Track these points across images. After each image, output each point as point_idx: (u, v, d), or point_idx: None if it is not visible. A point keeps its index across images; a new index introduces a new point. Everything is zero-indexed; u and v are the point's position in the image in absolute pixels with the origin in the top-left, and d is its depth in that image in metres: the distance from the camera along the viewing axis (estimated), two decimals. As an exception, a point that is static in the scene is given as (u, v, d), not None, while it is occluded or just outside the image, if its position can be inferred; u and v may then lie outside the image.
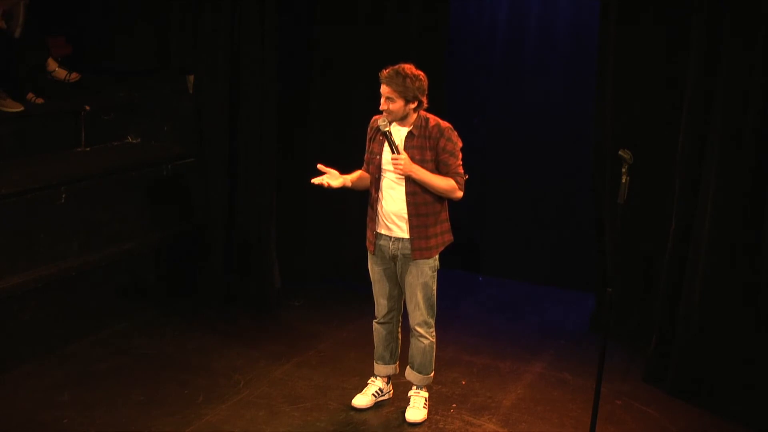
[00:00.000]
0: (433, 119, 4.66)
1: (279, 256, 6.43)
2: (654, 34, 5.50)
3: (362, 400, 5.00)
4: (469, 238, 7.36)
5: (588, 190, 6.28)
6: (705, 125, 5.11)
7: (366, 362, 5.55)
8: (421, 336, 4.84)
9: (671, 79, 5.45)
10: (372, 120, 4.79)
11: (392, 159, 4.56)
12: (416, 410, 4.88)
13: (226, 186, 6.39)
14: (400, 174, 4.58)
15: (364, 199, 6.42)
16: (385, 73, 4.57)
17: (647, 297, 5.80)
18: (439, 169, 4.63)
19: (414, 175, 4.56)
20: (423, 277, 4.75)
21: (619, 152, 4.25)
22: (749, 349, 5.11)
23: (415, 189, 4.63)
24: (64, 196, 5.49)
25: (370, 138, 4.79)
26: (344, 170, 6.63)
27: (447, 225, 4.82)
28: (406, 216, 4.67)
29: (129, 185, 6.00)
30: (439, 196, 4.67)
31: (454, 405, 5.05)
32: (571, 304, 6.73)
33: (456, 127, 4.64)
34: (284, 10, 6.26)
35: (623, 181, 4.22)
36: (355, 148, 6.38)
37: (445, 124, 4.66)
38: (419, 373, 4.91)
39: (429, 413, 4.92)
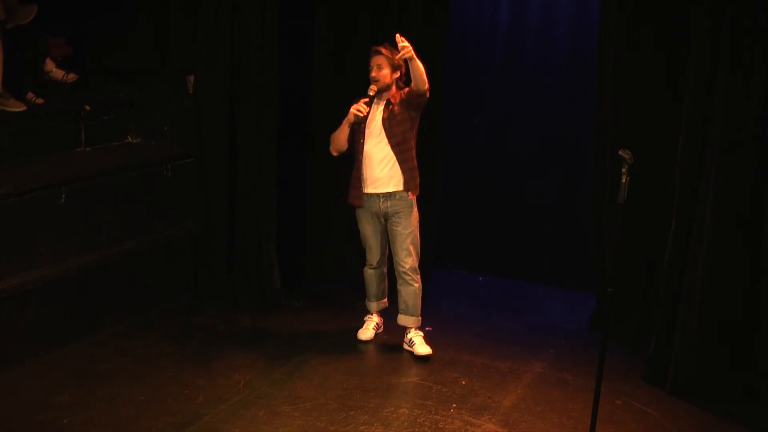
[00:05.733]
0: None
1: (279, 256, 6.43)
2: (654, 33, 5.49)
3: (367, 333, 5.86)
4: (469, 238, 7.36)
5: (588, 190, 6.28)
6: (705, 125, 5.11)
7: (366, 362, 5.56)
8: (412, 280, 5.61)
9: (671, 79, 5.44)
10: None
11: (400, 43, 5.17)
12: (423, 346, 5.63)
13: (226, 186, 6.40)
14: (407, 53, 5.18)
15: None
16: (374, 47, 5.52)
17: (647, 297, 5.80)
18: (407, 95, 5.44)
19: (413, 58, 5.21)
20: (411, 227, 5.57)
21: (619, 152, 4.25)
22: (749, 349, 5.11)
23: (397, 138, 5.47)
24: (64, 196, 5.49)
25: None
26: (344, 170, 6.66)
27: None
28: (389, 170, 5.49)
29: (129, 185, 5.99)
30: (412, 148, 5.55)
31: (454, 405, 5.05)
32: (571, 304, 6.73)
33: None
34: (285, 10, 6.25)
35: (623, 181, 4.23)
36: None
37: None
38: (412, 316, 5.70)
39: (429, 413, 4.93)
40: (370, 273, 5.83)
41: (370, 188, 5.57)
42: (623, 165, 4.22)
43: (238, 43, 6.21)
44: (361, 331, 5.89)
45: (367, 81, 5.56)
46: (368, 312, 5.95)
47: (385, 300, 5.95)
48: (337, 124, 6.59)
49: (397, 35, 5.22)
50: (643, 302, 5.84)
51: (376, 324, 5.93)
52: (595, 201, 6.01)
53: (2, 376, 5.07)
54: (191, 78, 6.44)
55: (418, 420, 4.85)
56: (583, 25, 6.67)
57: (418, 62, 5.27)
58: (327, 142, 6.64)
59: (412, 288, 5.63)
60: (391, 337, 5.86)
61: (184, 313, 6.20)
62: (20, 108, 5.86)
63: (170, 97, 6.54)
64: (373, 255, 5.76)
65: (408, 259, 5.59)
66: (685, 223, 5.25)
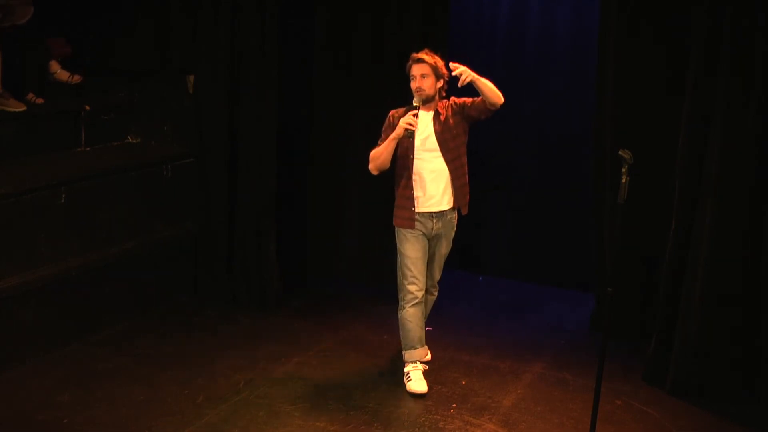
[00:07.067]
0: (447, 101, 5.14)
1: (279, 256, 6.43)
2: (654, 33, 5.49)
3: (422, 385, 5.15)
4: (469, 238, 7.35)
5: (588, 190, 6.28)
6: (706, 125, 5.11)
7: (365, 363, 5.55)
8: (435, 290, 5.44)
9: (672, 79, 5.44)
10: (390, 115, 5.08)
11: (455, 71, 4.82)
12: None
13: (226, 185, 6.40)
14: (468, 78, 4.79)
15: (364, 199, 6.46)
16: (416, 55, 4.99)
17: (647, 297, 5.80)
18: (469, 108, 5.02)
19: (475, 78, 4.81)
20: (449, 248, 5.30)
21: (619, 152, 4.25)
22: (749, 349, 5.11)
23: (453, 153, 5.04)
24: (64, 196, 5.49)
25: (390, 127, 5.05)
26: (345, 169, 6.66)
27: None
28: (443, 187, 5.05)
29: (129, 185, 5.99)
30: (465, 163, 5.14)
31: (454, 405, 5.05)
32: (571, 304, 6.73)
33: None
34: (285, 10, 6.25)
35: (623, 181, 4.23)
36: (356, 147, 6.41)
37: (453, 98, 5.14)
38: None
39: (429, 413, 4.94)
40: (412, 313, 5.14)
41: (423, 207, 5.07)
42: (623, 165, 4.22)
43: (238, 43, 6.21)
44: (413, 383, 5.16)
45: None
46: (411, 361, 5.23)
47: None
48: (337, 124, 6.61)
49: (451, 63, 4.86)
50: (643, 302, 5.84)
51: (425, 369, 5.28)
52: (595, 201, 6.01)
53: (2, 376, 5.07)
54: (191, 78, 6.44)
55: (418, 420, 4.86)
56: (583, 25, 6.67)
57: (483, 80, 4.86)
58: (326, 142, 6.66)
59: (433, 297, 5.48)
60: (392, 338, 5.86)
61: (184, 313, 6.20)
62: (20, 108, 5.86)
63: (170, 97, 6.54)
64: (419, 281, 5.12)
65: (437, 273, 5.37)
66: (685, 223, 5.25)
